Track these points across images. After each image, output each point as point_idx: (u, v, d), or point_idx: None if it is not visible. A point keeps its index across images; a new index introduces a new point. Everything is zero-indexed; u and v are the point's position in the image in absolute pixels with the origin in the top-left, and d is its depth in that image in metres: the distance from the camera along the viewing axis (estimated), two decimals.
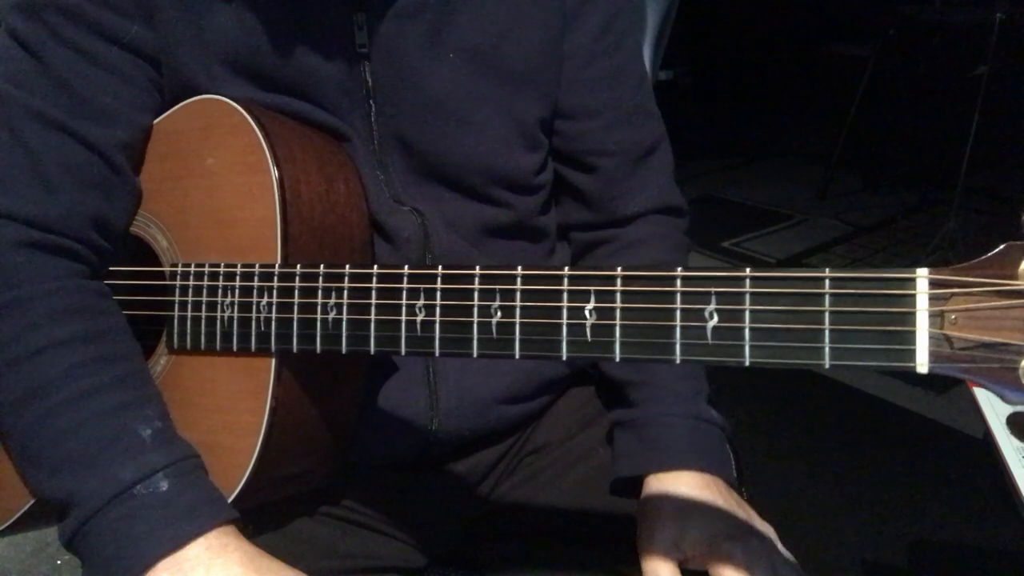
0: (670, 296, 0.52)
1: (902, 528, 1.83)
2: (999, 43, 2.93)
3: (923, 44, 3.70)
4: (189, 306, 0.70)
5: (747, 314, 0.50)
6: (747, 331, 0.50)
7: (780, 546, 0.73)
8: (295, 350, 0.65)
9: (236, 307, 0.67)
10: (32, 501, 0.69)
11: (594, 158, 0.85)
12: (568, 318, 0.54)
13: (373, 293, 0.61)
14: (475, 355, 0.57)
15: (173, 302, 0.71)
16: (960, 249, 2.93)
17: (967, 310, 0.45)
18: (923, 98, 3.85)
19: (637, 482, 0.78)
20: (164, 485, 0.62)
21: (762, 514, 0.76)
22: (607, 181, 0.85)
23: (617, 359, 0.53)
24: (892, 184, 4.10)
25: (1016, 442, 1.02)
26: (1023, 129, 3.34)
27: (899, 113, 3.96)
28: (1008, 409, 1.04)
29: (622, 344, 0.53)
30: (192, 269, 0.70)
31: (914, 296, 0.47)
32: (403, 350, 0.60)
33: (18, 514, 0.71)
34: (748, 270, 0.50)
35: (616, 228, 0.88)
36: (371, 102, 0.75)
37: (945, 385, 2.33)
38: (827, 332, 0.48)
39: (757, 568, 0.67)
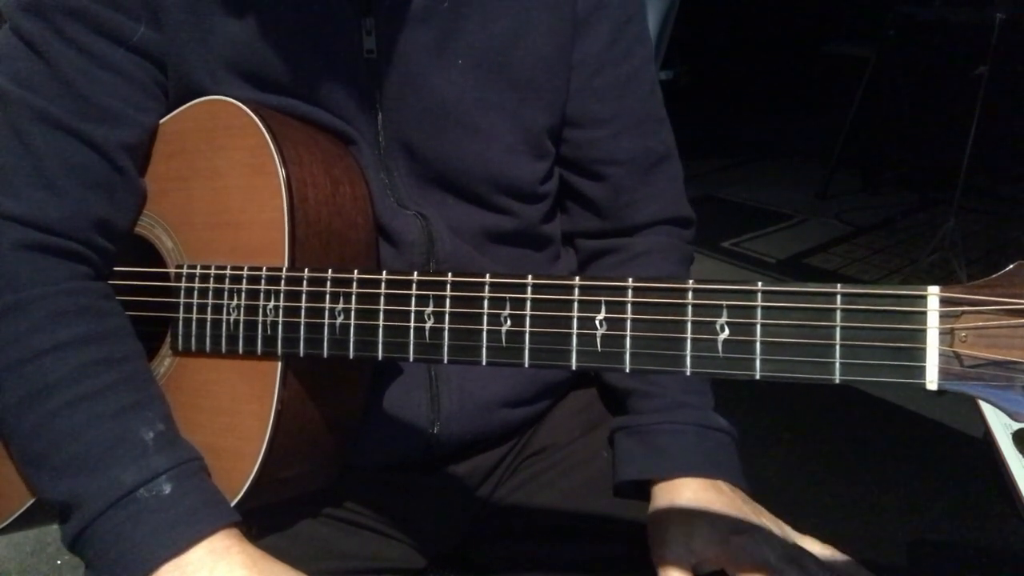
0: (681, 308, 0.52)
1: (902, 528, 1.84)
2: (999, 43, 2.93)
3: (923, 44, 3.70)
4: (194, 308, 0.70)
5: (758, 328, 0.50)
6: (758, 345, 0.51)
7: (795, 535, 0.73)
8: (302, 354, 0.65)
9: (242, 310, 0.67)
10: (32, 500, 0.69)
11: (602, 167, 0.84)
12: (578, 328, 0.54)
13: (381, 299, 0.61)
14: (484, 363, 0.57)
15: (178, 303, 0.71)
16: (960, 249, 2.93)
17: (977, 328, 0.45)
18: (923, 98, 3.85)
19: (640, 486, 0.78)
20: (167, 488, 0.62)
21: None
22: (616, 189, 0.85)
23: (627, 370, 0.53)
24: (892, 184, 4.11)
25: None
26: (1023, 129, 3.34)
27: (899, 113, 3.96)
28: (1015, 424, 1.04)
29: (632, 355, 0.53)
30: (198, 271, 0.70)
31: (925, 313, 0.47)
32: (411, 356, 0.60)
33: (18, 512, 0.71)
34: (760, 284, 0.50)
35: (624, 237, 0.88)
36: (378, 107, 0.75)
37: None
38: (837, 347, 0.48)
39: (769, 555, 0.68)
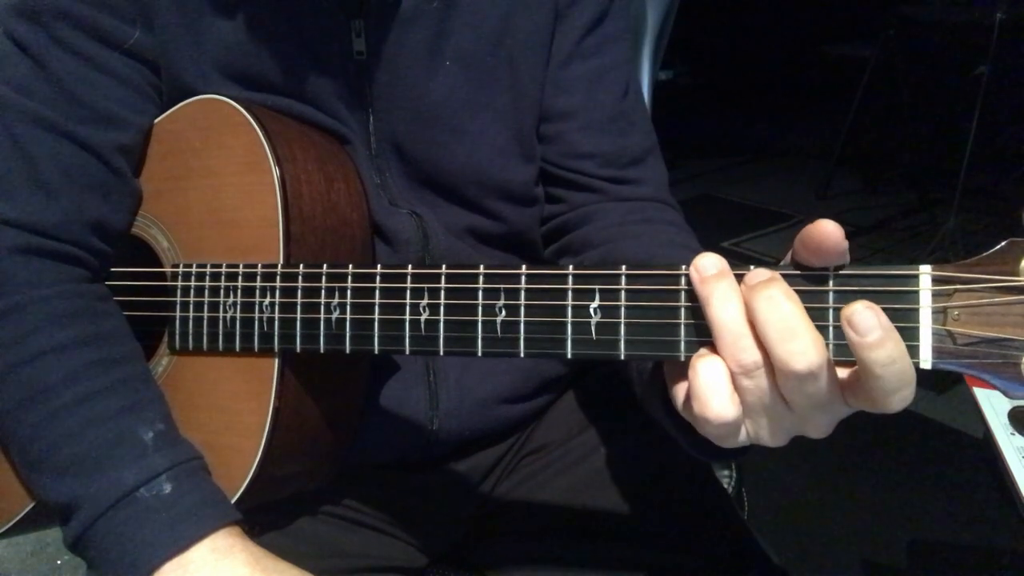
0: (674, 294, 0.51)
1: (902, 528, 1.84)
2: (999, 43, 2.93)
3: (923, 44, 3.71)
4: (191, 306, 0.70)
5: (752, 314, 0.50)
6: None
7: None
8: (298, 350, 0.65)
9: (239, 307, 0.67)
10: (33, 504, 0.69)
11: (573, 160, 0.82)
12: (573, 317, 0.54)
13: (377, 292, 0.61)
14: (479, 354, 0.57)
15: (174, 303, 0.71)
16: (960, 249, 2.93)
17: (970, 306, 0.45)
18: (923, 98, 3.85)
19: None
20: (167, 487, 0.62)
21: (762, 514, 0.75)
22: (597, 178, 0.82)
23: (622, 357, 0.53)
24: (892, 184, 4.11)
25: (1016, 442, 1.02)
26: (1023, 129, 3.35)
27: (899, 113, 3.97)
28: (1008, 405, 1.05)
29: (627, 342, 0.52)
30: (194, 270, 0.70)
31: (917, 292, 0.47)
32: (407, 349, 0.59)
33: (19, 516, 0.71)
34: (752, 268, 0.50)
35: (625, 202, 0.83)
36: (368, 108, 0.75)
37: (945, 385, 2.33)
38: (831, 328, 0.48)
39: None
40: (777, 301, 0.46)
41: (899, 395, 0.45)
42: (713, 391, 0.48)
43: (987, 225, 3.48)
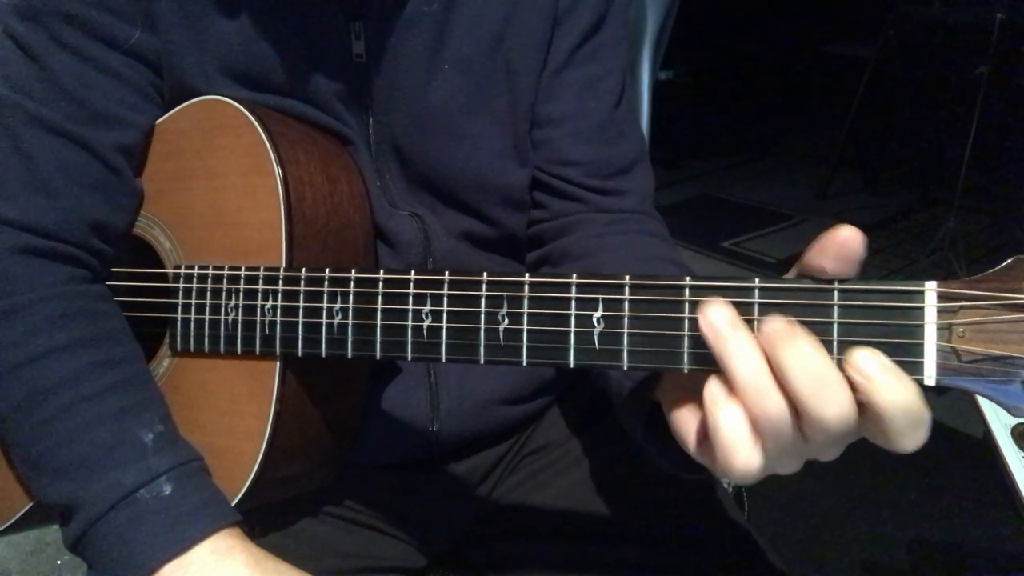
0: (678, 305, 0.51)
1: (902, 528, 1.84)
2: (999, 43, 2.94)
3: (923, 44, 3.71)
4: (192, 308, 0.70)
5: (755, 324, 0.49)
6: None
7: None
8: (300, 354, 0.65)
9: (240, 310, 0.67)
10: (32, 502, 0.69)
11: (560, 168, 0.81)
12: (576, 326, 0.54)
13: (379, 298, 0.61)
14: (482, 361, 0.57)
15: (176, 304, 0.71)
16: (960, 249, 2.94)
17: (975, 323, 0.45)
18: (923, 98, 3.86)
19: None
20: (167, 489, 0.62)
21: (762, 514, 0.75)
22: (580, 186, 0.81)
23: (625, 367, 0.52)
24: (892, 184, 4.12)
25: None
26: (1023, 129, 3.35)
27: (899, 113, 3.97)
28: (1013, 421, 1.05)
29: (630, 352, 0.52)
30: (196, 271, 0.70)
31: (922, 309, 0.46)
32: (409, 356, 0.59)
33: (18, 514, 0.71)
34: (757, 280, 0.49)
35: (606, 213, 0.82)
36: (368, 111, 0.75)
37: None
38: (835, 343, 0.48)
39: None
40: (805, 352, 0.45)
41: (912, 436, 0.45)
42: (738, 444, 0.47)
43: (987, 225, 3.48)
